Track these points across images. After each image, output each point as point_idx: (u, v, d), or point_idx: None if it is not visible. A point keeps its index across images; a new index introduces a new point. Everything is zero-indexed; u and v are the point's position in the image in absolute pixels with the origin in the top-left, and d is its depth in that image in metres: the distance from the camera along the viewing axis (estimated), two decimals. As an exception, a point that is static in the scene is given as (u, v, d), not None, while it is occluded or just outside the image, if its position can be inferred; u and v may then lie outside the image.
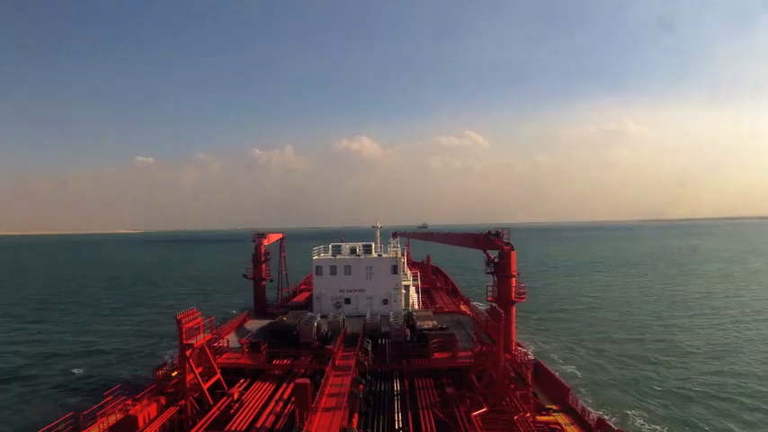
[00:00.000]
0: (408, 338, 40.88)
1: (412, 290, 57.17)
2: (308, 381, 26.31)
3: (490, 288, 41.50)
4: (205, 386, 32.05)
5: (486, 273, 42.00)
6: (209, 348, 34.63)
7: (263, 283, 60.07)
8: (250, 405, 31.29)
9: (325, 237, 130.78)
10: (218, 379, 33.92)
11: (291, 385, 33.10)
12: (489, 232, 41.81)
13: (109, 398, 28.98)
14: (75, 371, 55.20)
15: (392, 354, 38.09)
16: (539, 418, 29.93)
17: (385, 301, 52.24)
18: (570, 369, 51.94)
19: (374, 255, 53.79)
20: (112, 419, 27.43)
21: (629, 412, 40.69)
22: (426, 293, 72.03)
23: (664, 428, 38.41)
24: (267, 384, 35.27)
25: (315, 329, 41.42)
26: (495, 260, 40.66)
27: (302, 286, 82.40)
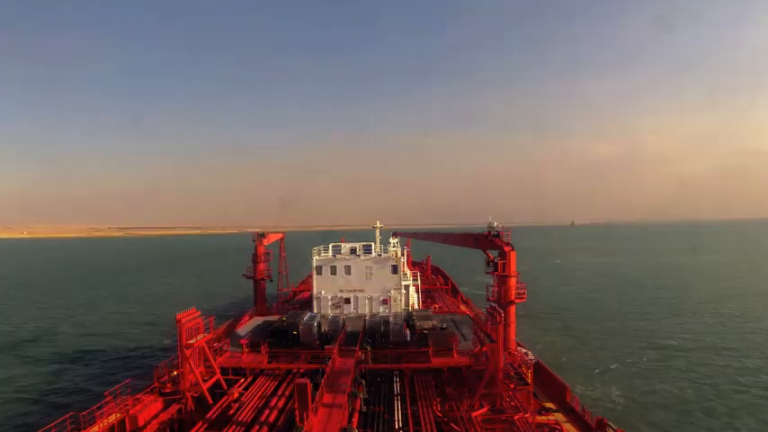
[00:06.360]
0: (408, 338, 40.85)
1: (412, 290, 57.13)
2: (307, 381, 26.27)
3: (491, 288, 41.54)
4: (205, 386, 32.04)
5: (487, 273, 42.02)
6: (209, 348, 34.65)
7: (263, 282, 60.11)
8: (250, 405, 31.23)
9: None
10: (218, 379, 33.91)
11: (291, 385, 33.06)
12: (489, 232, 41.80)
13: (109, 398, 29.04)
14: (75, 370, 55.30)
15: (392, 354, 38.05)
16: (538, 417, 29.98)
17: (385, 302, 52.26)
18: (570, 369, 51.98)
19: (374, 255, 53.71)
20: (112, 419, 27.47)
21: (628, 412, 40.73)
22: (426, 293, 72.00)
23: (663, 428, 38.45)
24: (267, 384, 35.23)
25: (315, 329, 41.40)
26: (495, 260, 40.68)
27: (302, 286, 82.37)
